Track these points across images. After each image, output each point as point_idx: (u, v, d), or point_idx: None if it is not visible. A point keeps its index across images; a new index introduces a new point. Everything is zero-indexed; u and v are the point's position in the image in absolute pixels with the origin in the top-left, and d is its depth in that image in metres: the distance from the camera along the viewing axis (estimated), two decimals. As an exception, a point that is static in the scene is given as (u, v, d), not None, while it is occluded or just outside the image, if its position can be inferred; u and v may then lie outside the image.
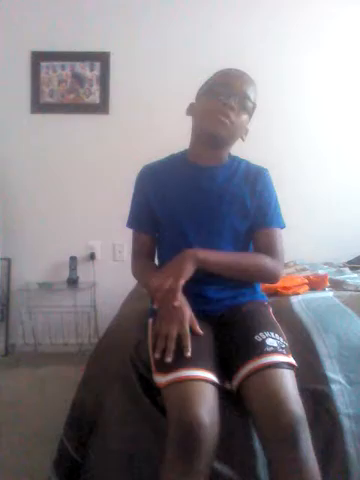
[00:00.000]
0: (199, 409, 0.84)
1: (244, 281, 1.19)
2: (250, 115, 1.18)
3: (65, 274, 2.58)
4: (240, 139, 1.21)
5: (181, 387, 0.89)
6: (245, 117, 1.16)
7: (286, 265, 2.04)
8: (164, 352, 0.96)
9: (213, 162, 1.19)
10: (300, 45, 2.61)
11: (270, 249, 1.16)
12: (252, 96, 1.15)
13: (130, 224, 1.27)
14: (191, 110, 1.21)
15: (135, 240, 1.27)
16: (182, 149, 1.25)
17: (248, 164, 1.24)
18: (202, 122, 1.16)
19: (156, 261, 1.28)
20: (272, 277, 1.17)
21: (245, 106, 1.14)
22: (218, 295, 1.16)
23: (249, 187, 1.19)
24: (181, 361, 0.94)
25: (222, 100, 1.11)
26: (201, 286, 1.14)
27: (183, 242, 1.16)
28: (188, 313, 1.02)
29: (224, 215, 1.17)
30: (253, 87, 1.17)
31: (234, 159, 1.24)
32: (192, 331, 1.01)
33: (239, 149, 1.25)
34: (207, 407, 0.86)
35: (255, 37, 2.58)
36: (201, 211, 1.17)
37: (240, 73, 1.17)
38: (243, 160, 1.24)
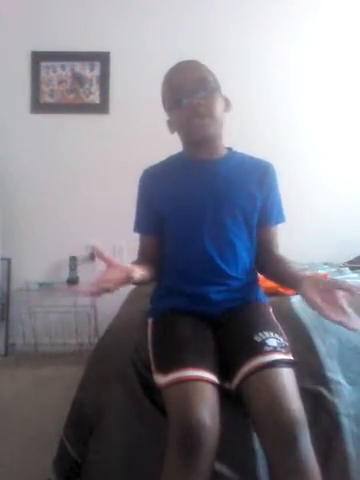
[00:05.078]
0: (200, 410, 0.84)
1: (245, 283, 1.19)
2: (218, 89, 1.14)
3: (65, 274, 2.58)
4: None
5: (182, 388, 0.89)
6: (216, 97, 1.12)
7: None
8: None
9: (211, 155, 1.18)
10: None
11: (274, 245, 1.22)
12: (206, 75, 1.12)
13: (136, 228, 1.26)
14: (170, 127, 1.19)
15: (141, 243, 1.26)
16: (182, 148, 1.25)
17: (251, 157, 1.23)
18: (185, 135, 1.16)
19: (161, 261, 1.26)
20: None
21: (207, 89, 1.10)
22: (219, 297, 1.15)
23: (258, 180, 1.18)
24: (181, 361, 0.94)
25: (186, 104, 1.08)
26: (202, 287, 1.14)
27: (193, 237, 1.15)
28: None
29: (232, 206, 1.15)
30: (200, 67, 1.14)
31: (233, 152, 1.23)
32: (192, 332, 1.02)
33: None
34: (208, 408, 0.86)
35: (256, 36, 2.58)
36: (208, 204, 1.15)
37: (182, 66, 1.14)
38: (242, 153, 1.24)
